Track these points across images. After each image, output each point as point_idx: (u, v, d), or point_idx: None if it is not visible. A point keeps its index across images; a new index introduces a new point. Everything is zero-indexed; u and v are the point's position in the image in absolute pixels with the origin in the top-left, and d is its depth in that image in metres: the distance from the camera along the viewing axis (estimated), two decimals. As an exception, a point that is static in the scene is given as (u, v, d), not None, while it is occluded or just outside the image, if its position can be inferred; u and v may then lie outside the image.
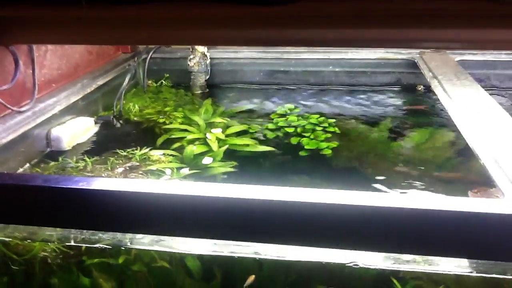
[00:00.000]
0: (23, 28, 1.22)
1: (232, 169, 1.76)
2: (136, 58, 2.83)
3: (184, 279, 1.42)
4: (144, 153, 1.85)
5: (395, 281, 1.28)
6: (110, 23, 1.14)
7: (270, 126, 2.21)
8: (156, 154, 1.85)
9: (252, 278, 1.32)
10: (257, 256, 1.20)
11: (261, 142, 2.04)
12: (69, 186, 1.08)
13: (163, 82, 2.88)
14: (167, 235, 1.17)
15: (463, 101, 1.72)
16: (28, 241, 1.31)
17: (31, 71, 1.86)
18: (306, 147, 1.97)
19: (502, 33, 1.03)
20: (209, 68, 2.81)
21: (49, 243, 1.32)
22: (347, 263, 1.11)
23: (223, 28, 1.12)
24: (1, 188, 1.12)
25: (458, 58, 2.50)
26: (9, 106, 1.68)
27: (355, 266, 1.11)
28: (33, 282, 1.43)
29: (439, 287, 1.26)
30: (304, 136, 2.07)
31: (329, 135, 2.08)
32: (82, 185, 1.09)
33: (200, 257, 1.36)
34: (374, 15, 1.04)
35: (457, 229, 0.95)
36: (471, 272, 1.08)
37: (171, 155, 1.87)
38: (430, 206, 0.90)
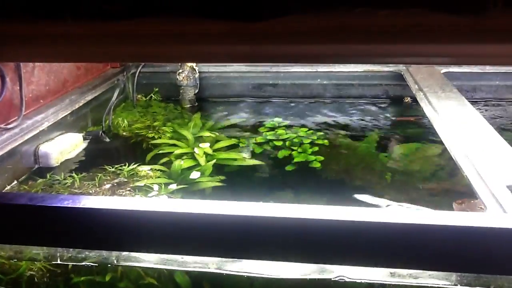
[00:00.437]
0: (7, 45, 1.23)
1: (220, 184, 1.76)
2: (125, 73, 2.84)
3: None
4: (132, 168, 1.85)
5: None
6: (96, 39, 1.15)
7: (259, 139, 2.22)
8: (144, 169, 1.85)
9: None
10: (245, 274, 1.21)
11: (250, 156, 2.04)
12: (54, 205, 1.08)
13: (153, 96, 2.89)
14: (154, 252, 1.17)
15: (447, 114, 1.75)
16: (15, 260, 1.30)
17: (18, 88, 1.86)
18: (295, 160, 1.99)
19: (483, 48, 1.05)
20: (198, 82, 2.82)
21: (35, 262, 1.32)
22: (334, 278, 1.11)
23: (206, 44, 1.13)
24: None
25: (444, 70, 2.53)
26: (-4, 123, 1.69)
27: (340, 281, 1.11)
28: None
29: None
30: (293, 150, 2.09)
31: (316, 148, 2.09)
32: (68, 203, 1.09)
33: (189, 273, 1.36)
34: (357, 30, 1.05)
35: (443, 243, 0.96)
36: (455, 285, 1.09)
37: (159, 170, 1.87)
38: (417, 220, 0.91)
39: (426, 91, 2.06)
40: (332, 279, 1.11)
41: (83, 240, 1.10)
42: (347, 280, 1.10)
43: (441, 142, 2.05)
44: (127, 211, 1.03)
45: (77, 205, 1.06)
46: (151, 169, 1.87)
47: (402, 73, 2.59)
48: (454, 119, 1.69)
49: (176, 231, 1.03)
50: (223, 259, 1.25)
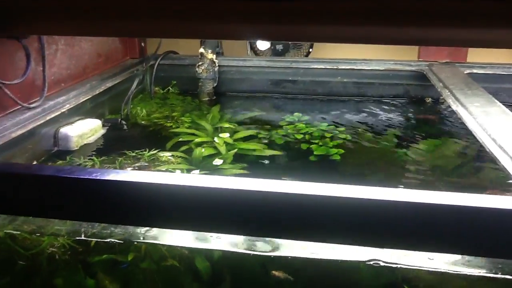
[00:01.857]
0: (36, 18, 1.21)
1: (242, 171, 1.74)
2: (144, 64, 2.83)
3: (192, 282, 1.39)
4: (153, 154, 1.83)
5: (407, 288, 1.25)
6: (123, 13, 1.13)
7: (279, 132, 2.19)
8: (165, 155, 1.83)
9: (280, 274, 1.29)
10: (271, 254, 1.18)
11: (270, 148, 2.02)
12: (82, 177, 1.06)
13: (170, 89, 2.87)
14: (181, 229, 1.14)
15: (477, 109, 1.71)
16: (37, 234, 1.28)
17: (41, 69, 1.85)
18: (315, 152, 1.96)
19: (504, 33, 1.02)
20: (217, 75, 2.80)
21: (58, 238, 1.29)
22: (366, 261, 1.08)
23: (230, 22, 1.11)
24: (12, 177, 1.09)
25: (467, 71, 2.50)
26: (19, 101, 1.67)
27: (375, 265, 1.08)
28: (38, 279, 1.39)
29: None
30: (313, 143, 2.06)
31: (337, 141, 2.06)
32: (96, 176, 1.06)
33: (210, 258, 1.33)
34: (379, 12, 1.03)
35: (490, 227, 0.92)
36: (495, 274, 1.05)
37: (180, 156, 1.85)
38: (465, 202, 0.88)
39: (452, 89, 2.03)
40: (366, 262, 1.07)
41: (110, 214, 1.07)
42: (382, 264, 1.07)
43: (465, 138, 2.03)
44: (156, 184, 1.00)
45: (106, 178, 1.04)
46: (172, 155, 1.85)
47: (424, 72, 2.56)
48: (484, 113, 1.66)
49: (208, 207, 1.00)
50: (250, 240, 1.22)
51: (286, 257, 1.21)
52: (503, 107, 1.76)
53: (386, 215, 0.94)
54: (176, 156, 1.86)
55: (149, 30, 1.34)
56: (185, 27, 1.20)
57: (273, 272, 1.28)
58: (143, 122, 2.33)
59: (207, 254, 1.32)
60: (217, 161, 1.79)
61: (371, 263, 1.08)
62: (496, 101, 1.84)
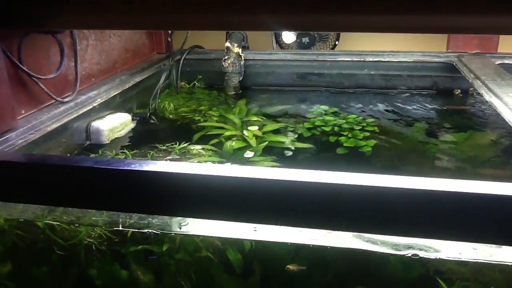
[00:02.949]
0: (71, 12, 1.23)
1: (274, 163, 1.74)
2: (170, 59, 2.85)
3: (222, 274, 1.40)
4: (183, 147, 1.85)
5: (441, 282, 1.23)
6: (150, 6, 1.15)
7: (307, 125, 2.19)
8: (196, 148, 1.84)
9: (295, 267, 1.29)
10: (308, 243, 1.17)
11: (298, 140, 2.02)
12: (121, 168, 1.07)
13: (196, 83, 2.89)
14: (220, 219, 1.15)
15: (511, 98, 1.68)
16: (75, 225, 1.31)
17: (73, 64, 1.88)
18: (344, 144, 1.95)
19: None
20: (243, 69, 2.81)
21: (95, 229, 1.32)
22: (406, 254, 1.07)
23: (258, 13, 1.11)
24: (52, 169, 1.12)
25: (498, 61, 2.45)
26: (53, 96, 1.70)
27: (414, 257, 1.07)
28: (74, 269, 1.42)
29: (489, 288, 1.21)
30: (342, 135, 2.05)
31: (367, 133, 2.05)
32: (135, 167, 1.08)
33: (241, 251, 1.34)
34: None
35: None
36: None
37: (210, 149, 1.86)
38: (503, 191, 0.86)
39: (484, 79, 1.99)
40: (406, 255, 1.07)
41: (148, 205, 1.09)
42: (422, 256, 1.06)
43: (500, 128, 1.99)
44: (194, 175, 1.01)
45: (144, 169, 1.05)
46: (202, 148, 1.86)
47: (454, 63, 2.51)
48: (519, 103, 1.62)
49: (246, 198, 1.00)
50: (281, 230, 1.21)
51: (315, 247, 1.20)
52: (539, 97, 1.72)
53: (425, 204, 0.93)
54: (207, 149, 1.88)
55: (175, 23, 1.36)
56: (212, 19, 1.21)
57: (288, 266, 1.28)
58: (171, 116, 2.36)
59: (239, 245, 1.33)
60: (248, 154, 1.79)
61: (409, 254, 1.07)
62: (530, 91, 1.80)
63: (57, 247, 1.35)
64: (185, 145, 1.85)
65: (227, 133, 2.03)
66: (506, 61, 2.45)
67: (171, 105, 2.46)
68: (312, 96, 2.72)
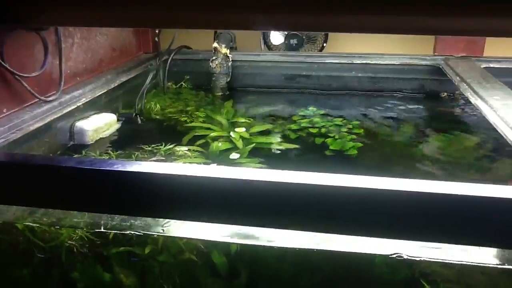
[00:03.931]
0: (56, 8, 1.20)
1: (260, 165, 1.73)
2: (157, 59, 2.82)
3: (207, 277, 1.39)
4: (169, 148, 1.83)
5: (425, 284, 1.23)
6: (139, 4, 1.13)
7: (293, 126, 2.18)
8: (181, 149, 1.82)
9: None
10: (296, 247, 1.16)
11: (285, 142, 2.01)
12: (104, 168, 1.06)
13: (183, 84, 2.87)
14: (202, 221, 1.13)
15: (497, 102, 1.69)
16: (56, 227, 1.28)
17: (57, 62, 1.85)
18: (331, 147, 1.94)
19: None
20: (230, 70, 2.79)
21: (76, 230, 1.29)
22: (390, 255, 1.07)
23: (248, 12, 1.09)
24: (33, 169, 1.09)
25: (484, 65, 2.47)
26: (37, 94, 1.67)
27: (398, 258, 1.06)
28: (56, 272, 1.39)
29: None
30: (329, 137, 2.04)
31: (354, 136, 2.05)
32: (117, 167, 1.06)
33: (227, 254, 1.32)
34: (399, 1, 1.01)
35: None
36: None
37: (196, 151, 1.84)
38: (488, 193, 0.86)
39: (469, 82, 2.00)
40: (389, 256, 1.06)
41: (131, 206, 1.07)
42: (406, 257, 1.06)
43: (482, 132, 2.01)
44: (177, 176, 0.99)
45: (128, 169, 1.03)
46: (188, 149, 1.85)
47: (440, 66, 2.53)
48: (504, 106, 1.63)
49: (231, 199, 0.99)
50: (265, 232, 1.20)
51: (301, 250, 1.20)
52: (523, 100, 1.73)
53: (407, 205, 0.93)
54: (193, 150, 1.86)
55: (164, 21, 1.34)
56: (201, 17, 1.20)
57: None
58: (157, 116, 2.33)
59: (224, 248, 1.31)
60: (234, 155, 1.78)
61: (394, 256, 1.06)
62: (515, 94, 1.81)
63: (38, 250, 1.33)
64: (171, 146, 1.83)
65: (214, 134, 2.01)
66: (491, 65, 2.47)
67: (158, 105, 2.43)
68: (300, 98, 2.72)
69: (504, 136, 1.41)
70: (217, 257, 1.36)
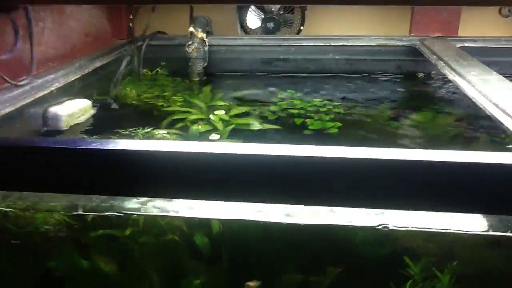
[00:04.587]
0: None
1: (240, 145, 1.70)
2: (132, 45, 2.76)
3: (189, 260, 1.36)
4: (147, 132, 1.79)
5: (408, 260, 1.23)
6: None
7: (273, 108, 2.16)
8: (160, 132, 1.79)
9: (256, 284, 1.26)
10: (272, 220, 1.14)
11: (265, 123, 1.99)
12: (80, 147, 1.02)
13: (159, 70, 2.81)
14: (186, 198, 1.11)
15: (474, 77, 1.70)
16: (31, 211, 1.23)
17: (28, 46, 1.79)
18: (310, 127, 1.93)
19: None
20: (207, 55, 2.75)
21: (53, 214, 1.25)
22: (377, 226, 1.06)
23: None
24: (4, 151, 1.05)
25: (459, 44, 2.49)
26: (7, 78, 1.61)
27: (385, 229, 1.06)
28: (31, 259, 1.35)
29: (453, 263, 1.22)
30: (309, 117, 2.03)
31: (333, 116, 2.04)
32: (96, 145, 1.02)
33: (208, 234, 1.30)
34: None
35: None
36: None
37: (175, 134, 1.81)
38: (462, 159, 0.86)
39: (447, 60, 2.01)
40: (376, 227, 1.05)
41: (109, 185, 1.04)
42: (392, 228, 1.05)
43: (459, 109, 2.03)
44: (158, 152, 0.96)
45: (108, 147, 0.99)
46: (168, 132, 1.81)
47: (417, 46, 2.54)
48: (482, 81, 1.64)
49: (207, 174, 0.97)
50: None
51: (282, 224, 1.17)
52: (500, 75, 1.75)
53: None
54: (172, 133, 1.82)
55: None
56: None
57: (247, 283, 1.25)
58: (133, 102, 2.28)
59: (206, 229, 1.29)
60: (214, 136, 1.75)
61: (381, 227, 1.06)
62: (491, 70, 1.83)
63: (12, 236, 1.28)
64: (149, 130, 1.79)
65: (193, 117, 1.98)
66: (466, 44, 2.50)
67: (133, 91, 2.38)
68: (278, 81, 2.70)
69: (484, 108, 1.42)
70: (199, 239, 1.33)
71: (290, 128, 1.98)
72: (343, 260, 1.29)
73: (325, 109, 2.12)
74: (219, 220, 1.27)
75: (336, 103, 2.23)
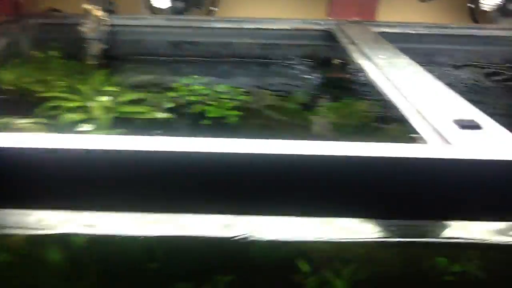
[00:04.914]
0: None
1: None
2: (19, 23, 2.42)
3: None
4: (5, 122, 1.50)
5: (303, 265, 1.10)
6: None
7: (171, 94, 1.93)
8: (22, 122, 1.50)
9: None
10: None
11: (160, 110, 1.75)
12: None
13: (51, 52, 2.48)
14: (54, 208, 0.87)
15: (382, 61, 1.56)
16: None
17: None
18: (209, 115, 1.72)
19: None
20: (106, 35, 2.45)
21: None
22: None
23: None
24: None
25: (376, 29, 2.36)
26: None
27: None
28: None
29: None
30: (209, 105, 1.82)
31: (237, 103, 1.84)
32: None
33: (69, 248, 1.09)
34: None
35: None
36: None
37: (42, 123, 1.53)
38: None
39: (358, 43, 1.87)
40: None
41: None
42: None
43: (370, 97, 1.89)
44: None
45: None
46: (34, 122, 1.53)
47: (332, 31, 2.39)
48: (389, 64, 1.50)
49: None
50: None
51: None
52: (410, 59, 1.62)
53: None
54: (40, 123, 1.54)
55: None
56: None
57: None
58: (9, 87, 1.96)
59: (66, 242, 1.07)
60: (84, 127, 1.49)
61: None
62: (402, 54, 1.69)
63: None
64: (6, 119, 1.50)
65: (71, 105, 1.70)
66: (383, 29, 2.37)
67: (11, 75, 2.05)
68: (185, 66, 2.46)
69: (382, 92, 1.26)
70: (54, 253, 1.11)
71: (187, 117, 1.76)
72: (233, 267, 1.14)
73: (228, 96, 1.91)
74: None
75: (243, 90, 2.03)
